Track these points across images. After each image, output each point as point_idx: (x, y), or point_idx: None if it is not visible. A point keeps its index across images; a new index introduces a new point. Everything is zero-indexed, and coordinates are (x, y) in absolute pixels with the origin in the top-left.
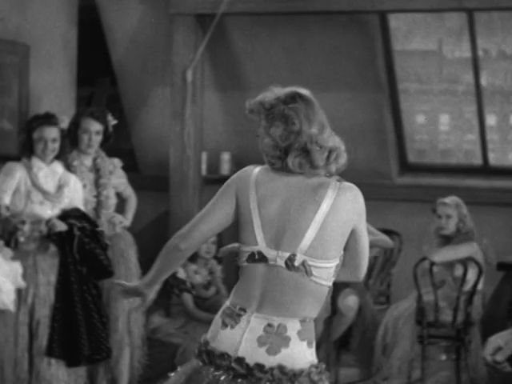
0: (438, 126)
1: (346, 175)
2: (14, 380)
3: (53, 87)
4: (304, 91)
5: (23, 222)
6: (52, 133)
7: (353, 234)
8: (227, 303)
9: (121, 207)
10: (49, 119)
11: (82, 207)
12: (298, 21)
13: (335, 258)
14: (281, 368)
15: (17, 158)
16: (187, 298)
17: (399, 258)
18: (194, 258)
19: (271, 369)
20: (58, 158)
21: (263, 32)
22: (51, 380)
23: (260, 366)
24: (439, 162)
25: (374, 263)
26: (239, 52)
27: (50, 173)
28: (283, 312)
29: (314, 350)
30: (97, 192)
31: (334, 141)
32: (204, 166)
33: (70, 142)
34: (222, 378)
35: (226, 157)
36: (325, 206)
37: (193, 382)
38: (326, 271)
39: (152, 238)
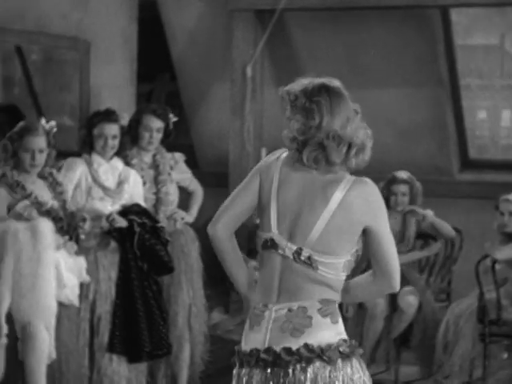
0: (500, 122)
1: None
2: (75, 375)
3: (113, 83)
4: (334, 83)
5: (84, 220)
6: (112, 130)
7: (371, 235)
8: (252, 305)
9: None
10: (109, 116)
11: (142, 203)
12: (358, 16)
13: (343, 254)
14: (307, 346)
15: (77, 154)
16: None
17: (460, 255)
18: (253, 253)
19: (298, 350)
20: (117, 154)
21: (323, 27)
22: (112, 376)
23: (287, 350)
24: (500, 157)
25: (434, 260)
26: (299, 47)
27: (110, 169)
28: (300, 296)
29: (340, 326)
30: (156, 189)
31: (358, 135)
32: None
33: (131, 138)
34: (255, 373)
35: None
36: (334, 202)
37: None
38: (333, 266)
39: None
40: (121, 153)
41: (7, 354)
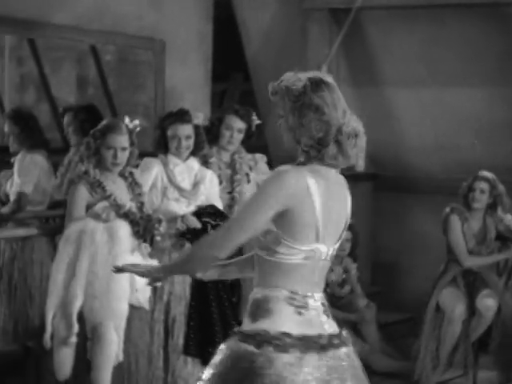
0: None
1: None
2: (149, 377)
3: (188, 83)
4: (327, 77)
5: (160, 221)
6: (185, 130)
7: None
8: (284, 293)
9: None
10: (182, 116)
11: (218, 204)
12: (435, 14)
13: None
14: (341, 331)
15: (152, 155)
16: None
17: None
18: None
19: (339, 333)
20: (193, 154)
21: (399, 26)
22: (187, 378)
23: (336, 335)
24: None
25: None
26: (375, 47)
27: (186, 169)
28: (322, 287)
29: None
30: (231, 188)
31: (353, 123)
32: None
33: (212, 137)
34: (305, 359)
35: None
36: (349, 200)
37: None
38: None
39: None
40: (197, 152)
41: (76, 352)
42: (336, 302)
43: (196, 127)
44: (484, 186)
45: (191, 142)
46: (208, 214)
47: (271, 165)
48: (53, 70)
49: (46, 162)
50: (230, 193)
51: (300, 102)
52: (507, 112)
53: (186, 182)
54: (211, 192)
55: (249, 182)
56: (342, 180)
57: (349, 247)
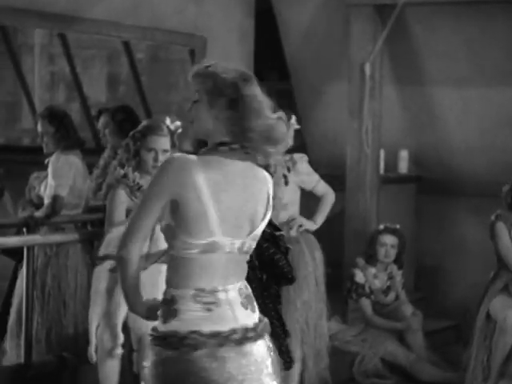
0: None
1: None
2: None
3: None
4: (248, 71)
5: None
6: None
7: None
8: (189, 292)
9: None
10: None
11: None
12: (481, 10)
13: None
14: (260, 321)
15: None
16: (365, 303)
17: None
18: (373, 261)
19: (256, 325)
20: None
21: (444, 23)
22: None
23: (249, 328)
24: None
25: None
26: (419, 44)
27: None
28: (242, 277)
29: None
30: None
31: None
32: (382, 165)
33: None
34: (220, 354)
35: (404, 154)
36: (268, 195)
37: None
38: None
39: (327, 239)
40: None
41: (122, 364)
42: (381, 309)
43: None
44: None
45: None
46: None
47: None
48: (84, 67)
49: (81, 163)
50: None
51: (224, 94)
52: None
53: None
54: None
55: (286, 184)
56: (256, 173)
57: (394, 253)
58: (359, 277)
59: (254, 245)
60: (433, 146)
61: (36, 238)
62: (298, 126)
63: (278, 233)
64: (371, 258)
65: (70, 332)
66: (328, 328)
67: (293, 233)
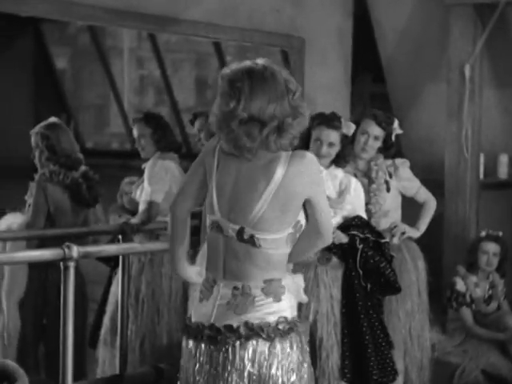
0: None
1: None
2: None
3: (327, 84)
4: (259, 65)
5: None
6: (330, 136)
7: (310, 205)
8: (204, 277)
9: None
10: (330, 121)
11: (363, 214)
12: None
13: (285, 228)
14: (247, 324)
15: None
16: (466, 312)
17: None
18: (474, 269)
19: (238, 327)
20: (337, 164)
21: None
22: None
23: (228, 327)
24: None
25: None
26: None
27: (329, 176)
28: (244, 277)
29: (283, 304)
30: (367, 199)
31: (278, 115)
32: (481, 169)
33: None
34: (200, 347)
35: (504, 159)
36: (275, 180)
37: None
38: (275, 242)
39: (425, 246)
40: (339, 165)
41: None
42: (482, 319)
43: (345, 137)
44: None
45: (334, 149)
46: (356, 227)
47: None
48: (173, 71)
49: (178, 168)
50: (366, 204)
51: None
52: None
53: (331, 190)
54: (356, 202)
55: (388, 190)
56: (269, 161)
57: (496, 261)
58: (460, 285)
59: (259, 236)
60: None
61: (135, 247)
62: (400, 131)
63: (382, 240)
64: (472, 266)
65: (164, 341)
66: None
67: (395, 240)
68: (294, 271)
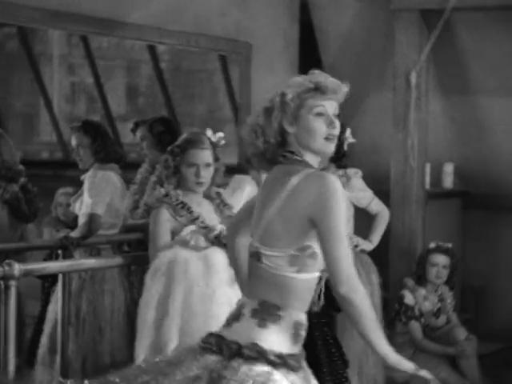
0: None
1: None
2: None
3: (274, 90)
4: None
5: None
6: None
7: (317, 230)
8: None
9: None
10: None
11: None
12: None
13: (287, 247)
14: (221, 338)
15: (239, 170)
16: (415, 326)
17: None
18: (423, 282)
19: (215, 337)
20: None
21: (494, 29)
22: None
23: (217, 336)
24: None
25: None
26: (467, 52)
27: None
28: (247, 292)
29: (266, 332)
30: None
31: None
32: (427, 179)
33: None
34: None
35: (448, 168)
36: (284, 194)
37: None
38: (276, 259)
39: (371, 255)
40: None
41: None
42: (431, 333)
43: None
44: None
45: None
46: None
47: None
48: (105, 77)
49: (119, 179)
50: None
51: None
52: None
53: None
54: None
55: None
56: (285, 180)
57: (446, 274)
58: (408, 298)
59: (263, 251)
60: (479, 159)
61: (80, 263)
62: (353, 140)
63: None
64: (420, 279)
65: (106, 361)
66: None
67: None
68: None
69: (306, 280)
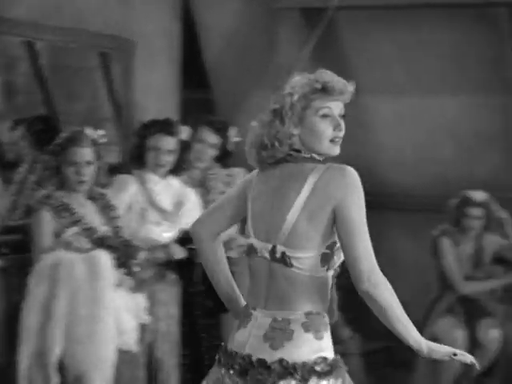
0: None
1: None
2: None
3: (158, 89)
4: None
5: (137, 250)
6: (169, 143)
7: (339, 219)
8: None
9: None
10: (167, 128)
11: None
12: (416, 16)
13: (316, 246)
14: (281, 361)
15: (122, 169)
16: None
17: None
18: None
19: (272, 363)
20: (174, 173)
21: (376, 28)
22: None
23: (262, 362)
24: None
25: None
26: (350, 50)
27: (166, 188)
28: (286, 306)
29: (324, 342)
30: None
31: None
32: None
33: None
34: (229, 375)
35: None
36: (305, 192)
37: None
38: (307, 261)
39: None
40: (178, 172)
41: None
42: None
43: (183, 143)
44: (477, 212)
45: (173, 157)
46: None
47: None
48: None
49: None
50: None
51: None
52: (492, 122)
53: (168, 203)
54: (194, 214)
55: None
56: (295, 180)
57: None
58: None
59: (290, 254)
60: (363, 157)
61: None
62: (238, 139)
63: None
64: None
65: None
66: None
67: (233, 254)
68: (134, 290)
69: (331, 277)
